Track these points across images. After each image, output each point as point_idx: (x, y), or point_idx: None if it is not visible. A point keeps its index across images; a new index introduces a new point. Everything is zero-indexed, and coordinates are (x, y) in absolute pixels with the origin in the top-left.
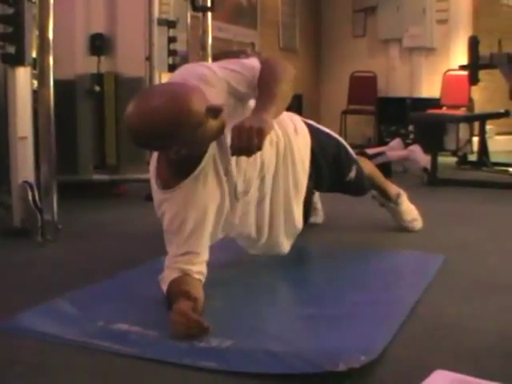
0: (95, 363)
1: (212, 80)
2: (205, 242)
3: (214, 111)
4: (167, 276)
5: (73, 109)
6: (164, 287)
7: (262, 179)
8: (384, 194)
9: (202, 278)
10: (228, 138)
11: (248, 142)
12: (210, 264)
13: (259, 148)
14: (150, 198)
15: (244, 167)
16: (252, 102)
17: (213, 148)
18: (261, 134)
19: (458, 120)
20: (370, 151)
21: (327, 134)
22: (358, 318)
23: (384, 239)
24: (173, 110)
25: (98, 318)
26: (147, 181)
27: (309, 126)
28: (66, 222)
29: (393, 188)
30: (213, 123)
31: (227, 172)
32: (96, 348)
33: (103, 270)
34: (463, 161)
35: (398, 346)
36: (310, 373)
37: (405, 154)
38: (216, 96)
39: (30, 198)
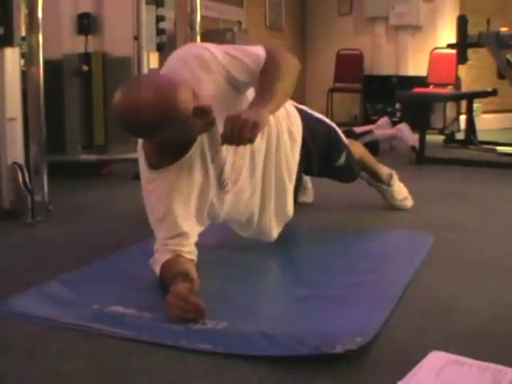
0: (91, 347)
1: (211, 65)
2: (192, 225)
3: (202, 112)
4: (159, 258)
5: (60, 89)
6: (157, 269)
7: (253, 169)
8: (375, 176)
9: (194, 258)
10: (220, 126)
11: (240, 133)
12: (203, 244)
13: (251, 141)
14: (138, 177)
15: (232, 156)
16: (251, 91)
17: (202, 137)
18: (255, 128)
19: (445, 99)
20: (358, 130)
21: (318, 119)
22: (352, 298)
23: (373, 218)
24: (159, 105)
25: (93, 301)
26: (135, 160)
27: (300, 111)
28: (56, 202)
29: (384, 169)
30: (198, 122)
31: (214, 160)
32: (92, 331)
33: (95, 251)
34: (450, 139)
35: (391, 327)
36: (307, 355)
37: (392, 133)
38: (212, 83)
39: (20, 179)
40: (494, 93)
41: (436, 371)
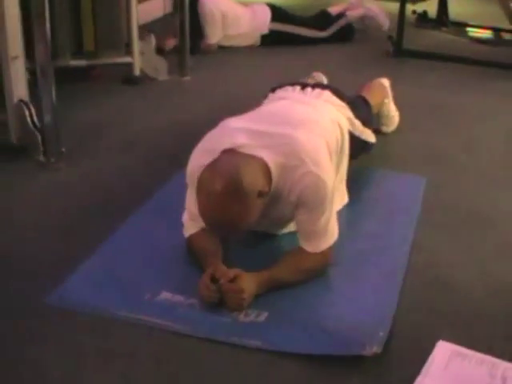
0: (157, 345)
1: None
2: None
3: (263, 194)
4: (189, 227)
5: None
6: (186, 234)
7: None
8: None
9: None
10: None
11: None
12: None
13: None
14: (126, 81)
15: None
16: None
17: None
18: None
19: None
20: (333, 11)
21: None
22: (363, 273)
23: None
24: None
25: (143, 289)
26: (125, 64)
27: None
28: (62, 123)
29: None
30: (259, 202)
31: None
32: (148, 325)
33: (116, 196)
34: (423, 18)
35: (399, 308)
36: (340, 355)
37: (362, 13)
38: None
39: (28, 116)
40: None
41: (444, 364)
